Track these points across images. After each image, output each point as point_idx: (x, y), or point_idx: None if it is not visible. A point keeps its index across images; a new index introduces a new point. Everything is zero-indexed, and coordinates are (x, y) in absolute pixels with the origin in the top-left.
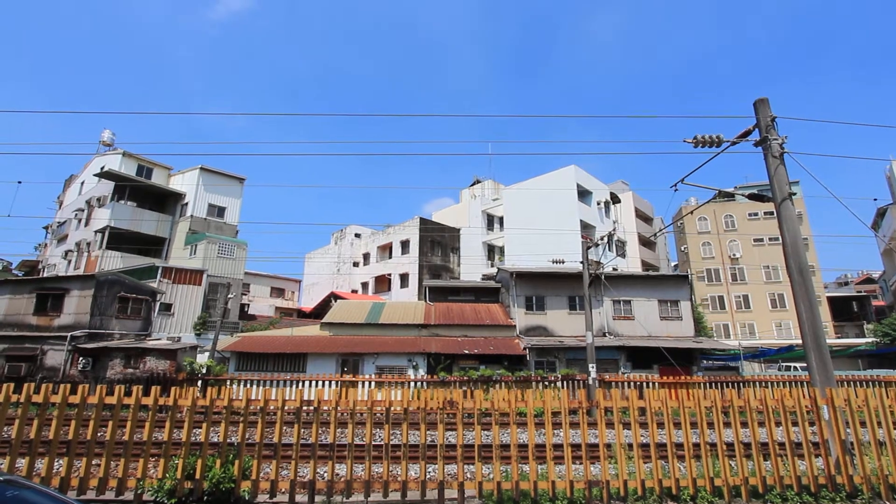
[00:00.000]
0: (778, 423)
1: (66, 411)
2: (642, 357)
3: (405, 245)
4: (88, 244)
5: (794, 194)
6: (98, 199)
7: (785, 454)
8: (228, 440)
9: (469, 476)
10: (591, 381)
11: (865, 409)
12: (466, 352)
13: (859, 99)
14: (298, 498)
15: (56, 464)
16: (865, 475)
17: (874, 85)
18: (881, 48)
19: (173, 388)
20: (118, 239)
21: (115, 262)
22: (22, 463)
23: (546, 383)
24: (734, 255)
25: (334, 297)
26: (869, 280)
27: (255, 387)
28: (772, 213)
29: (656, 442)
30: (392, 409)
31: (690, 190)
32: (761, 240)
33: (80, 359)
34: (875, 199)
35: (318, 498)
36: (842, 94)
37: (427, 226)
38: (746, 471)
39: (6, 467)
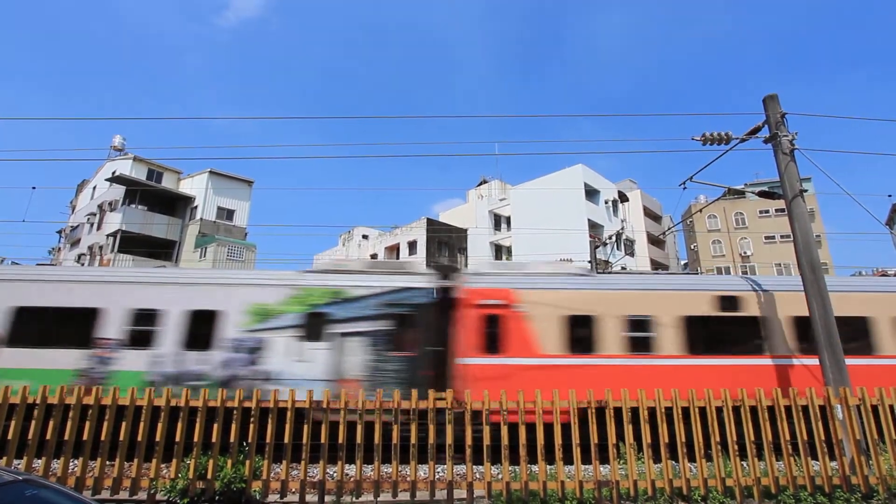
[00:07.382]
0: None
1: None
2: None
3: (412, 246)
4: (101, 247)
5: (806, 191)
6: (110, 204)
7: (798, 454)
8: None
9: (478, 476)
10: None
11: (881, 406)
12: None
13: (871, 94)
14: (308, 497)
15: (71, 464)
16: (881, 475)
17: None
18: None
19: (185, 390)
20: (129, 242)
21: (126, 265)
22: (38, 463)
23: None
24: (745, 252)
25: None
26: (884, 276)
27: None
28: (783, 211)
29: (666, 442)
30: (400, 408)
31: (700, 187)
32: (773, 237)
33: None
34: (889, 196)
35: (327, 498)
36: (853, 89)
37: (434, 226)
38: (758, 471)
39: (23, 467)
